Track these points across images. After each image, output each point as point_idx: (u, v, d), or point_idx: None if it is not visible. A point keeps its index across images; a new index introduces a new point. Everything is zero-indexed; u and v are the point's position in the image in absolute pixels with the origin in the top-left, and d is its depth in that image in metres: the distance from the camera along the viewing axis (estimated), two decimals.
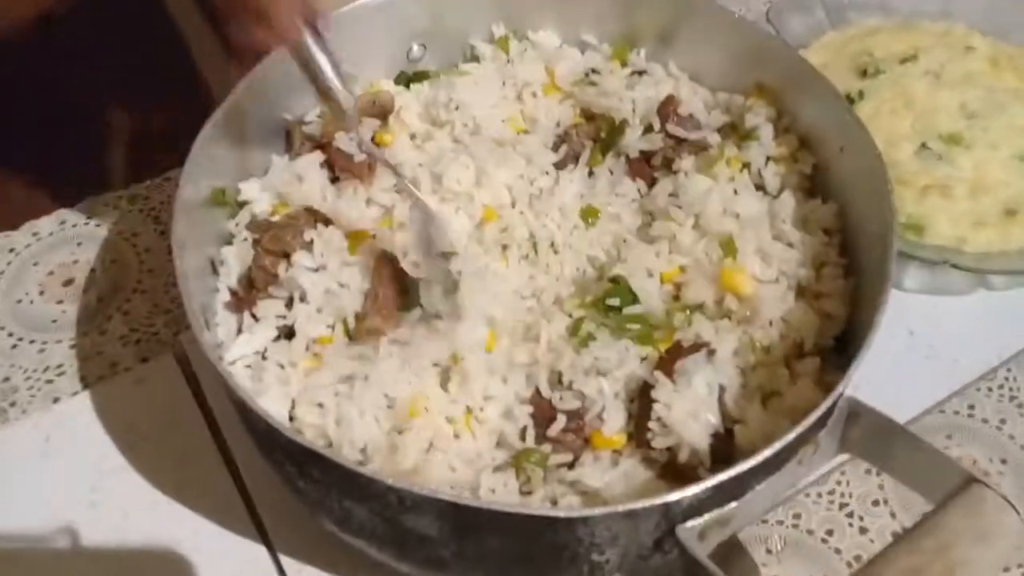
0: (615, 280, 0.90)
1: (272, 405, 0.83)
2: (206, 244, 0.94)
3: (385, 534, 0.75)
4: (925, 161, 1.12)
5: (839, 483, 0.97)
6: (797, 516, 0.94)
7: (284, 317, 0.89)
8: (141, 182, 1.25)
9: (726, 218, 0.93)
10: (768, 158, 0.99)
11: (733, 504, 0.72)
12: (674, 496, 0.68)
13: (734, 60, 1.04)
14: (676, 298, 0.91)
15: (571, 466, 0.81)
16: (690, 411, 0.80)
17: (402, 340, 0.87)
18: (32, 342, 1.11)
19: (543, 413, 0.83)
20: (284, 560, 0.89)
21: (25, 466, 0.99)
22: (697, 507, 0.71)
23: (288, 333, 0.89)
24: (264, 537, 0.91)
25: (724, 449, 0.80)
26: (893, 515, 0.94)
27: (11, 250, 1.19)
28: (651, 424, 0.80)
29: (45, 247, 1.19)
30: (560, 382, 0.84)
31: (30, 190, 1.24)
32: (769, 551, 0.91)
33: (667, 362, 0.83)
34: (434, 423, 0.81)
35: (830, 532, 0.93)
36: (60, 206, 1.22)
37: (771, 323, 0.88)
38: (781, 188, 0.98)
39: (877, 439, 0.76)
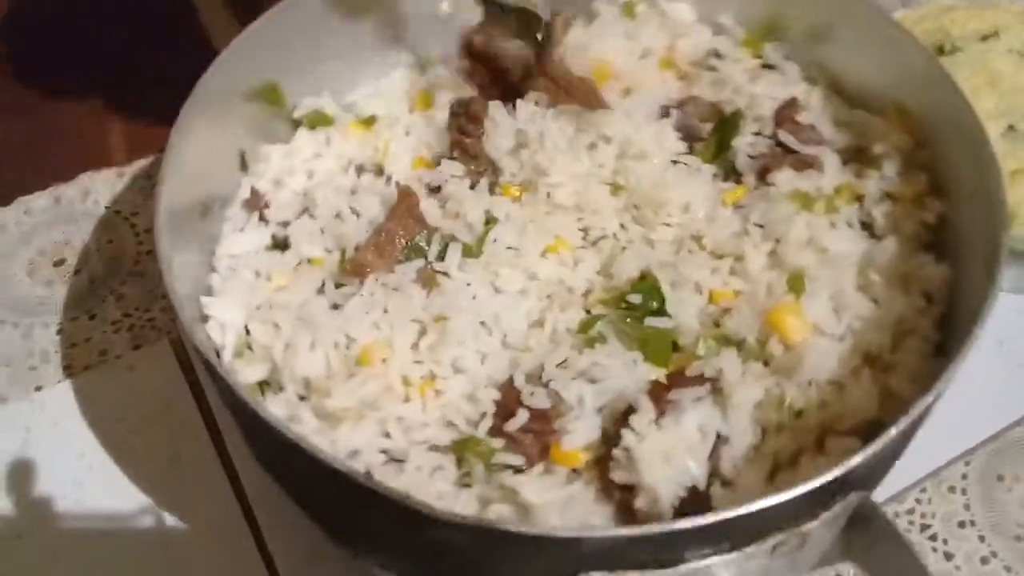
0: (644, 276, 0.79)
1: (226, 309, 0.78)
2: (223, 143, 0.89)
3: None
4: (1013, 143, 1.01)
5: (919, 501, 0.88)
6: None
7: (287, 225, 0.86)
8: (143, 157, 1.16)
9: (807, 250, 0.81)
10: (886, 194, 0.86)
11: (660, 572, 0.60)
12: (571, 534, 0.59)
13: (879, 73, 0.90)
14: (716, 325, 0.79)
15: (519, 471, 0.71)
16: (665, 451, 0.69)
17: (391, 285, 0.79)
18: (16, 325, 1.02)
19: (508, 405, 0.73)
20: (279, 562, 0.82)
21: (2, 460, 0.90)
22: (606, 559, 0.59)
23: (284, 245, 0.85)
24: (263, 551, 0.84)
25: (697, 510, 0.66)
26: (982, 538, 0.86)
27: (0, 227, 1.10)
28: (615, 452, 0.70)
29: (37, 225, 1.10)
30: (540, 378, 0.74)
31: (23, 164, 1.17)
32: None
33: (662, 388, 0.72)
34: (387, 378, 0.73)
35: None
36: (55, 181, 1.14)
37: (811, 383, 0.74)
38: (889, 232, 0.84)
39: (883, 558, 0.63)
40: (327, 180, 0.89)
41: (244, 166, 0.91)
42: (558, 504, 0.69)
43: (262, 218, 0.88)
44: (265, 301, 0.80)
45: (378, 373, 0.73)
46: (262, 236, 0.86)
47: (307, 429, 0.72)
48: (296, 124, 0.94)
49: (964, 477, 0.89)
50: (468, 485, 0.72)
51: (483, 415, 0.73)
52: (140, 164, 1.15)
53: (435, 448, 0.73)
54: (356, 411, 0.72)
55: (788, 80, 0.94)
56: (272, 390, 0.77)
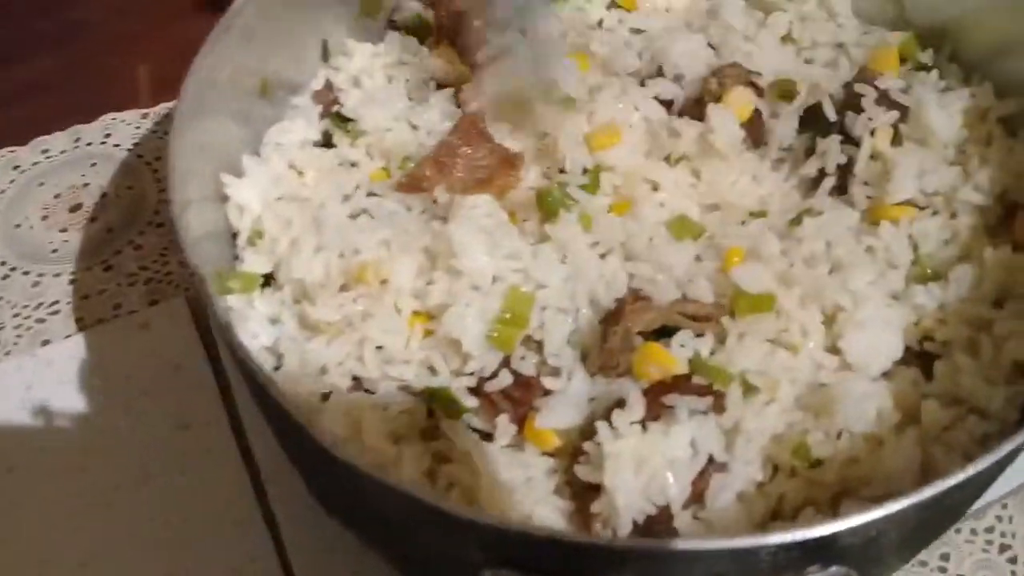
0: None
1: (246, 192, 0.77)
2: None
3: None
4: None
5: (999, 518, 0.81)
6: (945, 558, 0.79)
7: (349, 124, 0.84)
8: (170, 99, 1.08)
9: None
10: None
11: None
12: (482, 519, 0.53)
13: None
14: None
15: (486, 436, 0.65)
16: (641, 458, 0.61)
17: (441, 212, 0.76)
18: (26, 273, 0.96)
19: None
20: (291, 552, 0.77)
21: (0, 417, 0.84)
22: (513, 554, 0.53)
23: (329, 144, 0.85)
24: (271, 526, 0.78)
25: (659, 532, 0.60)
26: None
27: (16, 167, 1.05)
28: (586, 445, 0.63)
29: (54, 166, 1.05)
30: (542, 345, 0.69)
31: (43, 102, 1.12)
32: None
33: (662, 388, 0.65)
34: (379, 300, 0.70)
35: None
36: (76, 121, 1.08)
37: (841, 433, 0.65)
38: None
39: None
40: (400, 91, 0.87)
41: (326, 56, 0.89)
42: (510, 484, 0.63)
43: (326, 114, 0.86)
44: (288, 193, 0.79)
45: (372, 293, 0.70)
46: (312, 130, 0.85)
47: (284, 332, 0.71)
48: (392, 27, 0.92)
49: None
50: (435, 438, 0.68)
51: (467, 369, 0.68)
52: (167, 106, 1.09)
53: (405, 389, 0.68)
54: (336, 327, 0.70)
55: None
56: (275, 286, 0.75)
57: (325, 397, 0.67)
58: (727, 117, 0.79)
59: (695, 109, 0.83)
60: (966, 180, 0.76)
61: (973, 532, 0.79)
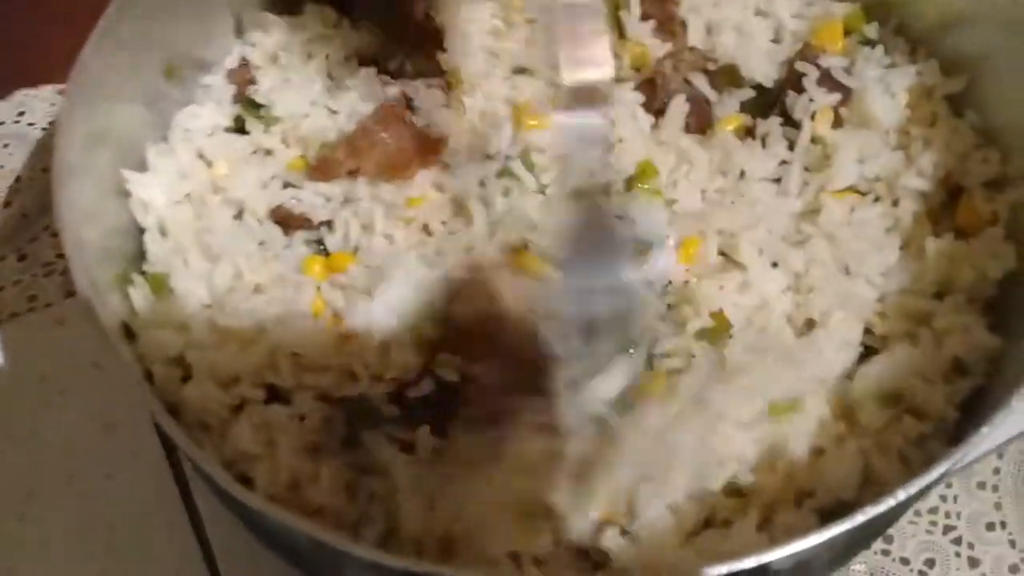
0: None
1: (149, 189, 0.74)
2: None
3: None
4: None
5: (943, 498, 0.80)
6: (888, 540, 0.78)
7: (262, 110, 0.80)
8: None
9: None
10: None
11: None
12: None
13: None
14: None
15: (405, 448, 0.64)
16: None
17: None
18: None
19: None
20: (218, 555, 0.76)
21: None
22: None
23: (242, 130, 0.81)
24: (198, 531, 0.77)
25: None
26: (1013, 543, 0.79)
27: None
28: None
29: None
30: None
31: None
32: None
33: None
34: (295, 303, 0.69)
35: (930, 563, 0.78)
36: None
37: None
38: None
39: None
40: (320, 69, 0.83)
41: (240, 31, 0.86)
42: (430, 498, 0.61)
43: (240, 95, 0.82)
44: (197, 192, 0.76)
45: (286, 296, 0.69)
46: (223, 115, 0.81)
47: (192, 340, 0.68)
48: None
49: (996, 472, 0.81)
50: (357, 445, 0.65)
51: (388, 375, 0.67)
52: None
53: (323, 398, 0.67)
54: (248, 333, 0.68)
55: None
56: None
57: (237, 409, 0.65)
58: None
59: (647, 87, 0.81)
60: (909, 165, 0.74)
61: (917, 513, 0.79)
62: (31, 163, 0.98)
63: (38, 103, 1.02)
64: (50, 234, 0.93)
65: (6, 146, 0.99)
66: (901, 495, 0.50)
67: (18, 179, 0.97)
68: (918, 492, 0.51)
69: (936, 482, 0.53)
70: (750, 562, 0.47)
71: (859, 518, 0.49)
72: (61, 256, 0.92)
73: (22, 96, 1.03)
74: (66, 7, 1.10)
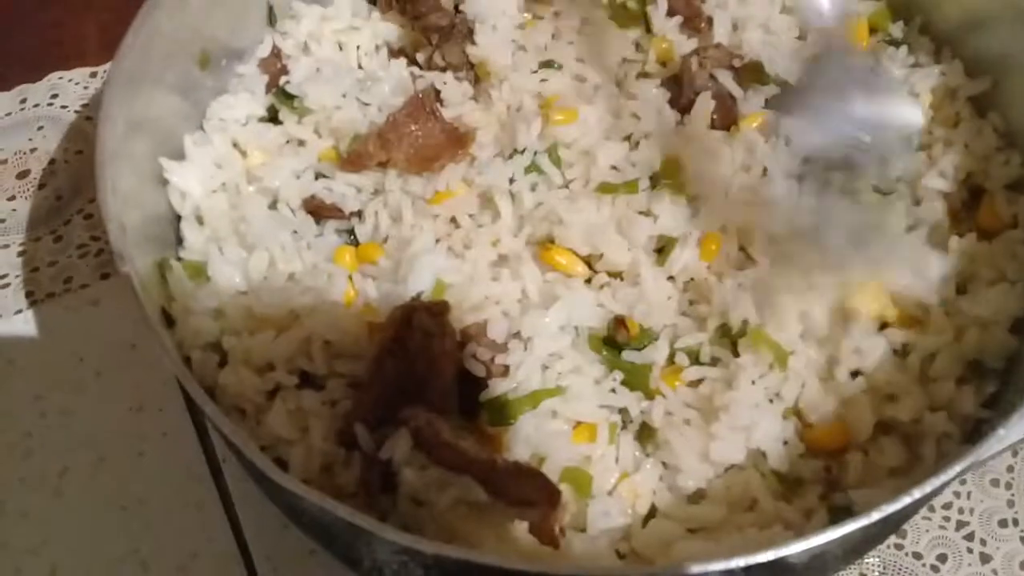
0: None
1: (187, 179, 0.76)
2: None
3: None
4: None
5: (957, 495, 0.81)
6: (902, 535, 0.79)
7: (295, 100, 0.81)
8: None
9: None
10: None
11: None
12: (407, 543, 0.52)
13: None
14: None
15: None
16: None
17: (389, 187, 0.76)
18: None
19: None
20: (247, 531, 0.77)
21: None
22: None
23: (275, 119, 0.83)
24: (228, 507, 0.78)
25: None
26: None
27: None
28: None
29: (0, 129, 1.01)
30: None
31: None
32: None
33: None
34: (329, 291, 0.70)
35: (942, 558, 0.78)
36: (21, 80, 1.04)
37: None
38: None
39: None
40: (350, 59, 0.85)
41: (272, 20, 0.86)
42: (432, 484, 0.62)
43: (273, 84, 0.84)
44: (232, 181, 0.77)
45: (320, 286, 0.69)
46: (257, 105, 0.82)
47: (228, 326, 0.70)
48: None
49: (1011, 470, 0.82)
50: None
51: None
52: None
53: (354, 385, 0.68)
54: (283, 321, 0.69)
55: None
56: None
57: (272, 395, 0.66)
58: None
59: (673, 83, 0.81)
60: (931, 165, 0.75)
61: (931, 509, 0.79)
62: (64, 145, 1.00)
63: (71, 86, 1.04)
64: (83, 216, 0.95)
65: (40, 128, 1.01)
66: (916, 493, 0.51)
67: (52, 161, 0.99)
68: (932, 491, 0.52)
69: (950, 480, 0.54)
70: (768, 555, 0.49)
71: (874, 515, 0.50)
72: (95, 238, 0.93)
73: (56, 79, 1.04)
74: None
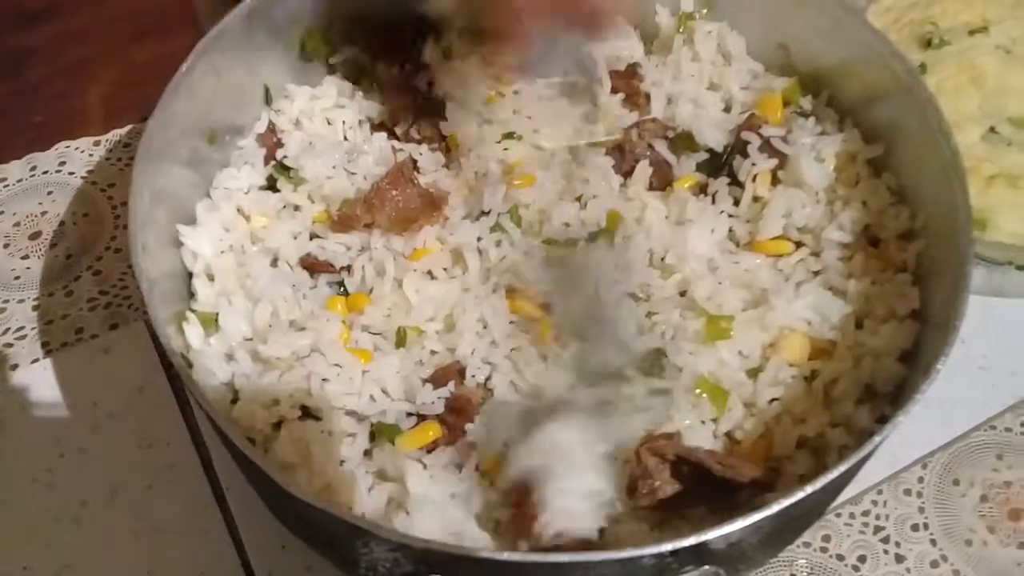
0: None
1: (199, 240, 0.83)
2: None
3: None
4: (993, 147, 1.00)
5: (874, 503, 0.88)
6: (826, 539, 0.86)
7: (291, 172, 0.89)
8: (121, 126, 1.14)
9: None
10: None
11: None
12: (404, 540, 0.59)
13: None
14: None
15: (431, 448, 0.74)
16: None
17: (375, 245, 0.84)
18: None
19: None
20: (251, 554, 0.83)
21: None
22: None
23: (274, 188, 0.90)
24: (235, 539, 0.84)
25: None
26: (934, 542, 0.86)
27: None
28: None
29: (12, 195, 1.09)
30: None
31: None
32: None
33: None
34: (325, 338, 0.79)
35: (862, 559, 0.85)
36: (32, 150, 1.12)
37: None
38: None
39: None
40: (337, 133, 0.94)
41: (268, 99, 0.94)
42: (439, 500, 0.70)
43: (270, 156, 0.91)
44: (238, 242, 0.85)
45: (316, 332, 0.77)
46: (257, 175, 0.90)
47: (239, 369, 0.78)
48: (330, 71, 0.98)
49: (920, 480, 0.89)
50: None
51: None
52: (117, 133, 1.13)
53: (351, 415, 0.75)
54: (286, 362, 0.77)
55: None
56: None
57: (277, 426, 0.75)
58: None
59: (616, 152, 0.92)
60: (832, 219, 0.86)
61: (852, 516, 0.87)
62: (72, 208, 1.07)
63: (77, 153, 1.11)
64: (92, 272, 1.02)
65: (49, 193, 1.08)
66: (809, 488, 0.61)
67: (61, 223, 1.05)
68: (822, 487, 0.61)
69: (833, 479, 0.64)
70: (691, 540, 0.58)
71: (775, 507, 0.60)
72: (104, 292, 1.00)
73: (63, 147, 1.11)
74: (96, 65, 1.19)
